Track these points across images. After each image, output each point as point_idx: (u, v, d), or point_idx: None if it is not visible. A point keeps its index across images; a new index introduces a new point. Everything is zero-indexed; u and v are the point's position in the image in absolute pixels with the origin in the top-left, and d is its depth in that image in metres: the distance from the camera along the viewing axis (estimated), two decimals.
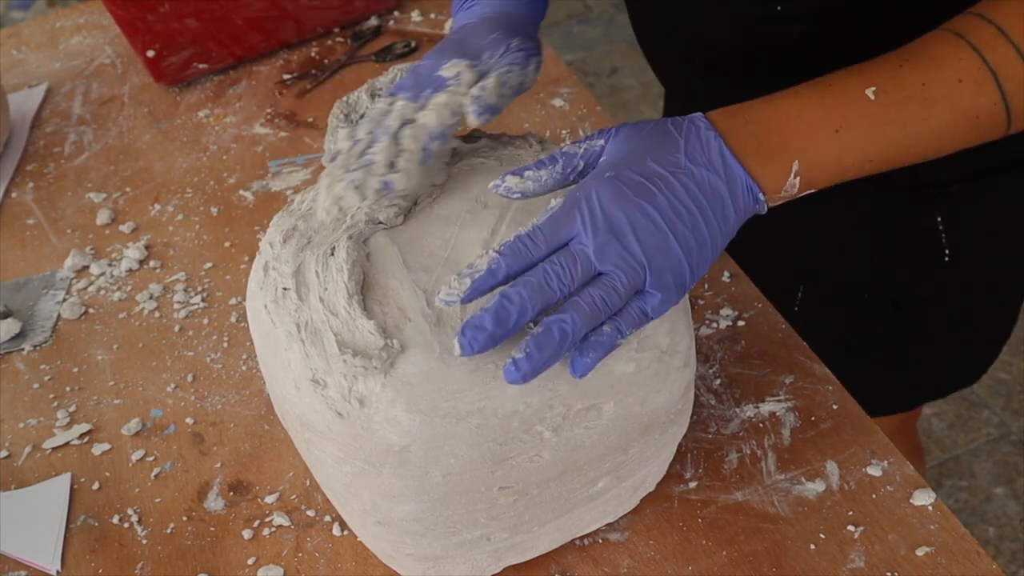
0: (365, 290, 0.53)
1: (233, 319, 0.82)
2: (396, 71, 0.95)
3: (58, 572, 0.66)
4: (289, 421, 0.57)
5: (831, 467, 0.62)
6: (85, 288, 0.89)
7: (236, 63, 1.17)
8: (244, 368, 0.78)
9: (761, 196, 0.52)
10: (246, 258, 0.88)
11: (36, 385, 0.80)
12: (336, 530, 0.64)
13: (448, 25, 1.15)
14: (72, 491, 0.71)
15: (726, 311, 0.74)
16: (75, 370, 0.81)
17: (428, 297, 0.52)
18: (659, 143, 0.52)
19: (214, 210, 0.95)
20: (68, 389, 0.79)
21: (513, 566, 0.60)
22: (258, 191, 0.97)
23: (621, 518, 0.62)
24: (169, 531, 0.67)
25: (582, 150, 0.53)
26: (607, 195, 0.49)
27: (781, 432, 0.65)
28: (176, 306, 0.85)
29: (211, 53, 1.14)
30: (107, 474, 0.72)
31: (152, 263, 0.90)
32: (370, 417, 0.50)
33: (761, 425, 0.66)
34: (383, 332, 0.50)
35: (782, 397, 0.67)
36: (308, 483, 0.68)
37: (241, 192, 0.97)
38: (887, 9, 0.62)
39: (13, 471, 0.74)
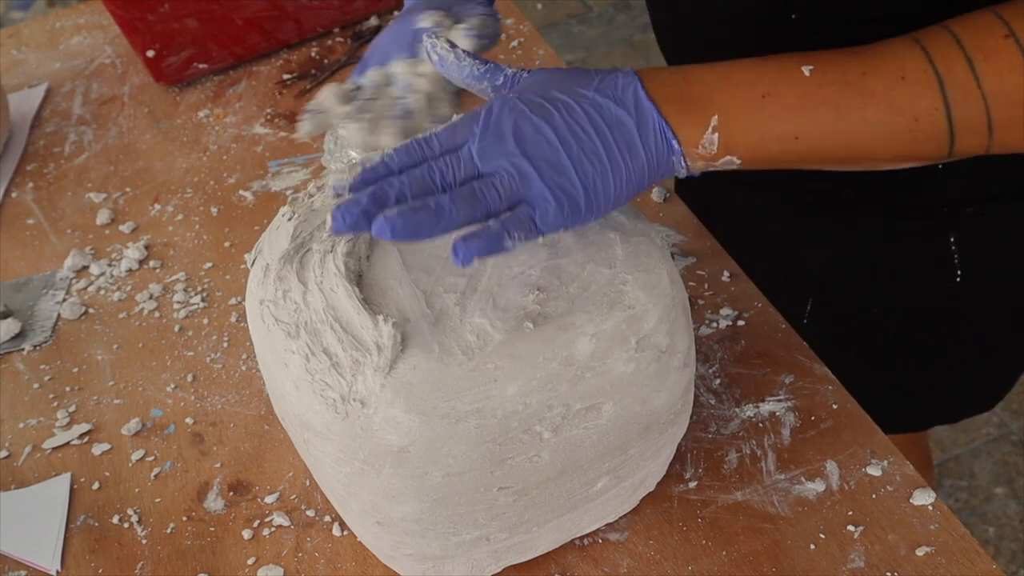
0: (364, 290, 0.53)
1: (233, 319, 0.82)
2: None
3: (58, 572, 0.66)
4: (289, 421, 0.57)
5: (831, 467, 0.62)
6: (85, 288, 0.89)
7: (236, 63, 1.17)
8: (244, 368, 0.78)
9: (676, 144, 0.51)
10: (246, 258, 0.88)
11: (36, 385, 0.80)
12: (336, 530, 0.64)
13: None
14: (72, 491, 0.71)
15: (726, 311, 0.74)
16: (75, 370, 0.81)
17: (428, 298, 0.52)
18: (574, 78, 0.52)
19: (214, 210, 0.95)
20: (68, 389, 0.79)
21: (513, 566, 0.60)
22: (258, 191, 0.97)
23: (621, 518, 0.62)
24: (169, 531, 0.67)
25: (512, 71, 0.54)
26: (503, 109, 0.50)
27: (781, 432, 0.65)
28: (176, 306, 0.85)
29: (211, 53, 1.14)
30: (107, 474, 0.72)
31: (152, 263, 0.90)
32: (369, 417, 0.50)
33: (761, 425, 0.66)
34: (384, 327, 0.50)
35: (782, 397, 0.67)
36: (308, 483, 0.68)
37: (241, 192, 0.97)
38: (903, 23, 0.62)
39: (13, 471, 0.74)
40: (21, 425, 0.77)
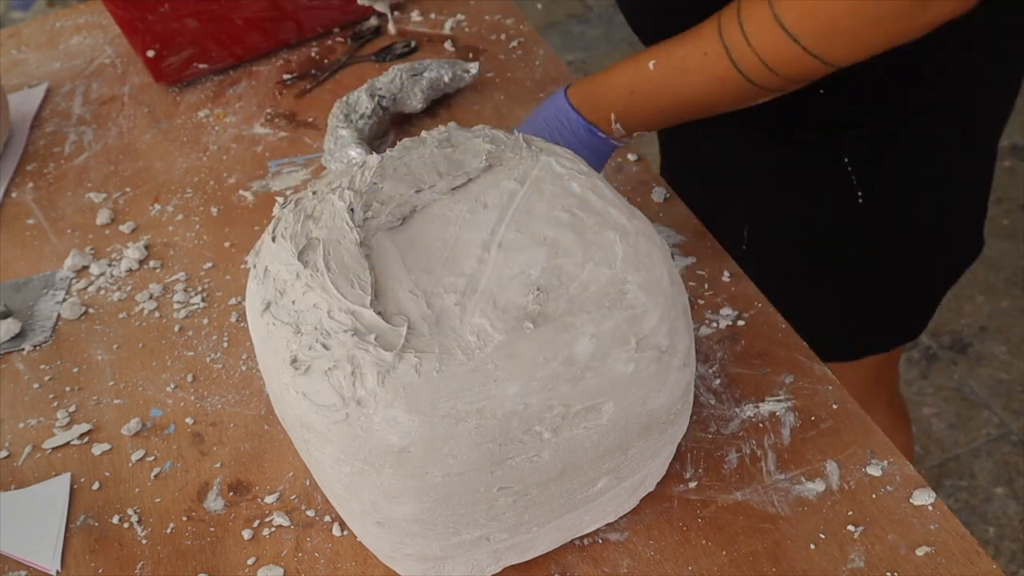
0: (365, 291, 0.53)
1: (233, 319, 0.82)
2: (396, 71, 0.96)
3: (58, 572, 0.66)
4: (289, 422, 0.57)
5: (831, 467, 0.62)
6: (85, 288, 0.89)
7: (236, 63, 1.17)
8: (244, 368, 0.78)
9: (599, 132, 0.75)
10: (246, 258, 0.88)
11: (36, 385, 0.80)
12: (336, 530, 0.64)
13: (448, 25, 1.15)
14: (72, 491, 0.71)
15: (726, 311, 0.74)
16: (75, 370, 0.81)
17: (428, 299, 0.52)
18: (536, 116, 0.79)
19: (214, 210, 0.95)
20: (68, 389, 0.79)
21: (513, 566, 0.60)
22: (258, 191, 0.97)
23: (621, 518, 0.62)
24: (169, 531, 0.67)
25: None
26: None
27: (781, 432, 0.65)
28: (176, 306, 0.85)
29: (211, 53, 1.14)
30: (107, 474, 0.72)
31: (152, 263, 0.90)
32: (369, 418, 0.50)
33: (761, 425, 0.66)
34: (385, 327, 0.50)
35: (782, 397, 0.67)
36: (308, 483, 0.68)
37: (241, 192, 0.97)
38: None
39: (13, 471, 0.74)
40: (21, 425, 0.77)
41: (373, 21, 1.18)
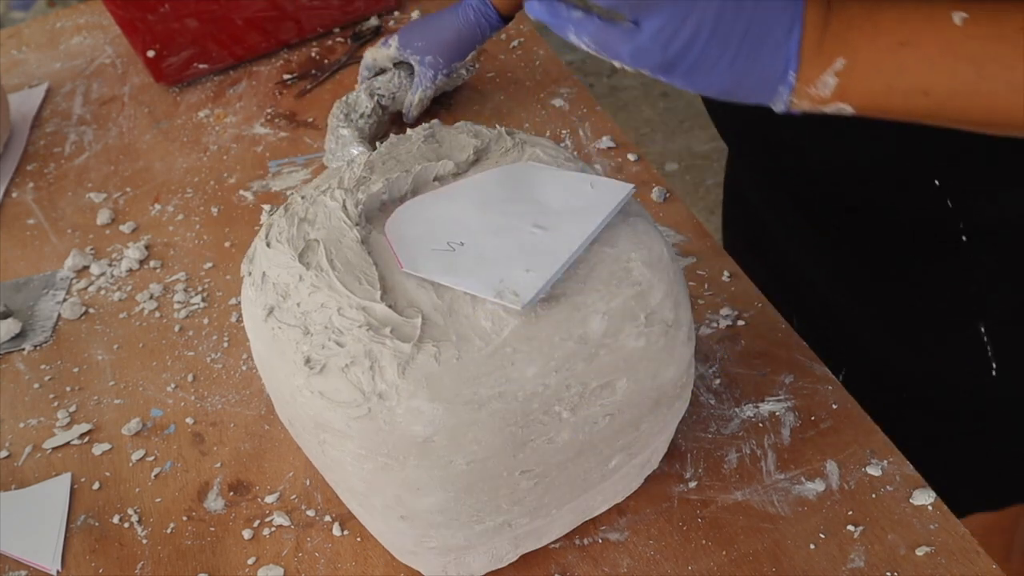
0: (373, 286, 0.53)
1: (233, 319, 0.82)
2: (394, 71, 0.96)
3: (58, 572, 0.66)
4: (300, 424, 0.56)
5: (831, 467, 0.62)
6: (85, 288, 0.89)
7: (236, 63, 1.17)
8: (244, 368, 0.78)
9: (792, 76, 0.46)
10: (243, 268, 0.88)
11: (36, 385, 0.80)
12: (336, 530, 0.64)
13: None
14: (72, 491, 0.71)
15: (726, 311, 0.74)
16: (75, 370, 0.81)
17: (437, 289, 0.53)
18: None
19: (214, 210, 0.95)
20: (68, 389, 0.79)
21: (513, 565, 0.60)
22: (258, 191, 0.97)
23: (621, 518, 0.62)
24: (169, 531, 0.67)
25: None
26: None
27: (781, 432, 0.65)
28: (176, 306, 0.85)
29: (211, 53, 1.14)
30: (107, 474, 0.72)
31: (152, 263, 0.90)
32: (392, 410, 0.50)
33: (761, 425, 0.66)
34: (401, 319, 0.51)
35: (782, 397, 0.67)
36: (308, 483, 0.68)
37: (241, 192, 0.97)
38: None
39: (13, 471, 0.74)
40: (21, 425, 0.77)
41: (373, 21, 1.18)
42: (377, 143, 0.87)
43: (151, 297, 0.86)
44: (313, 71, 1.13)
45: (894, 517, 0.59)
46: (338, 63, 1.13)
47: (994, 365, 0.68)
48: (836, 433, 0.64)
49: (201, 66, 1.14)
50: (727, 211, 0.95)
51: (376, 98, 0.96)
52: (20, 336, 0.85)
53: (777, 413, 0.66)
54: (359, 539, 0.63)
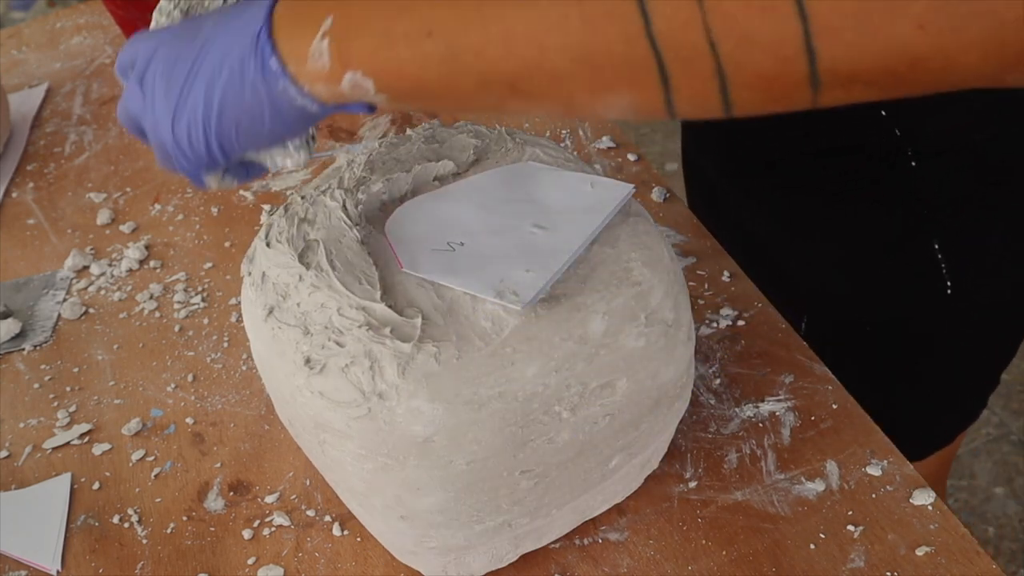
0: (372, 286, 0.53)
1: (233, 319, 0.82)
2: None
3: (58, 572, 0.66)
4: (300, 424, 0.56)
5: (831, 467, 0.62)
6: (85, 288, 0.89)
7: None
8: (244, 368, 0.78)
9: (274, 62, 0.39)
10: (242, 268, 0.88)
11: (36, 385, 0.80)
12: (336, 530, 0.64)
13: None
14: (72, 491, 0.71)
15: (726, 311, 0.74)
16: (75, 370, 0.81)
17: (436, 289, 0.53)
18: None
19: (214, 210, 0.95)
20: (68, 389, 0.79)
21: (513, 565, 0.60)
22: (258, 191, 0.97)
23: (621, 518, 0.62)
24: (169, 531, 0.67)
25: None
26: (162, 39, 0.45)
27: (781, 432, 0.65)
28: (176, 306, 0.85)
29: None
30: (107, 474, 0.72)
31: (152, 263, 0.90)
32: (392, 410, 0.50)
33: (761, 425, 0.66)
34: (401, 318, 0.51)
35: (782, 397, 0.67)
36: (308, 483, 0.68)
37: (241, 192, 0.97)
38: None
39: (13, 471, 0.74)
40: (21, 425, 0.77)
41: None
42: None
43: (151, 297, 0.86)
44: None
45: (894, 517, 0.59)
46: None
47: (949, 283, 0.69)
48: (836, 433, 0.64)
49: None
50: (686, 172, 0.94)
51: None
52: (20, 336, 0.85)
53: (777, 413, 0.66)
54: (359, 539, 0.63)
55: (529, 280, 0.51)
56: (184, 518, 0.68)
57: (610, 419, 0.55)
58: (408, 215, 0.58)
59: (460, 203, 0.58)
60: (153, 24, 0.54)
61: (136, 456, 0.73)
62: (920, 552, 0.57)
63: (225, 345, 0.80)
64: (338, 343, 0.51)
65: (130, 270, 0.90)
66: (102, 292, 0.88)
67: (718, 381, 0.69)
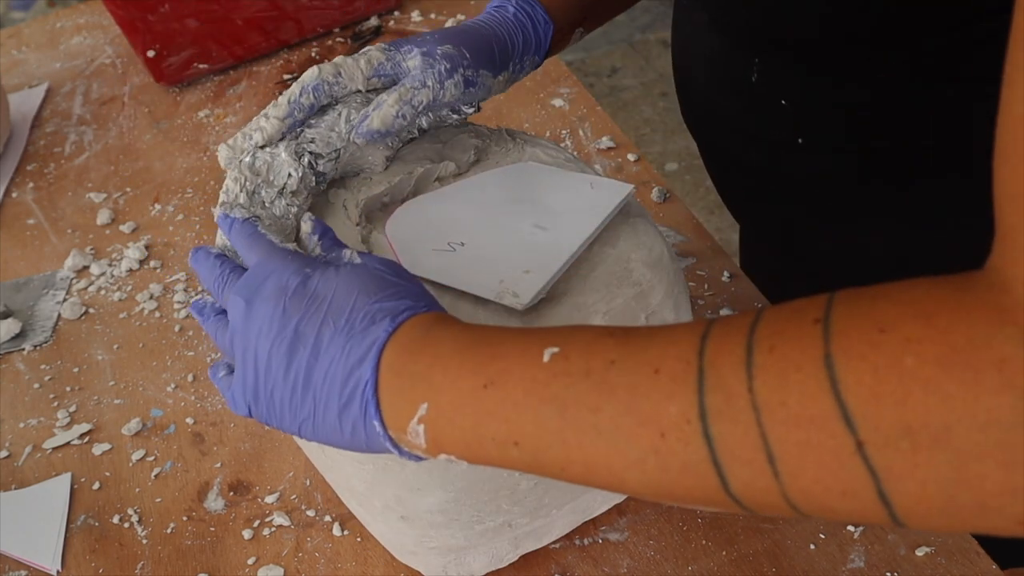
0: None
1: None
2: (342, 108, 0.59)
3: (58, 572, 0.66)
4: None
5: None
6: (85, 288, 0.89)
7: (236, 63, 1.17)
8: None
9: (378, 425, 0.40)
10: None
11: (36, 385, 0.80)
12: (336, 530, 0.64)
13: (449, 25, 1.15)
14: (72, 491, 0.71)
15: (726, 311, 0.74)
16: (75, 370, 0.81)
17: (437, 289, 0.53)
18: (343, 308, 0.43)
19: (214, 210, 0.95)
20: (68, 389, 0.79)
21: (513, 565, 0.60)
22: None
23: (621, 518, 0.62)
24: (169, 531, 0.67)
25: (343, 255, 0.48)
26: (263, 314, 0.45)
27: None
28: (176, 306, 0.85)
29: (211, 53, 1.14)
30: (107, 474, 0.72)
31: (152, 263, 0.90)
32: None
33: None
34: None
35: None
36: (308, 483, 0.68)
37: None
38: (907, 147, 0.63)
39: (13, 471, 0.74)
40: (21, 425, 0.77)
41: (373, 21, 1.18)
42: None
43: (151, 297, 0.86)
44: None
45: None
46: None
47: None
48: None
49: (201, 66, 1.14)
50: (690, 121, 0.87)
51: (307, 158, 0.57)
52: (20, 336, 0.85)
53: None
54: (359, 539, 0.63)
55: (529, 280, 0.51)
56: (184, 518, 0.68)
57: None
58: (409, 215, 0.58)
59: (460, 203, 0.58)
60: (222, 196, 0.55)
61: (136, 456, 0.73)
62: (920, 552, 0.57)
63: None
64: None
65: (130, 270, 0.90)
66: (102, 292, 0.88)
67: None
